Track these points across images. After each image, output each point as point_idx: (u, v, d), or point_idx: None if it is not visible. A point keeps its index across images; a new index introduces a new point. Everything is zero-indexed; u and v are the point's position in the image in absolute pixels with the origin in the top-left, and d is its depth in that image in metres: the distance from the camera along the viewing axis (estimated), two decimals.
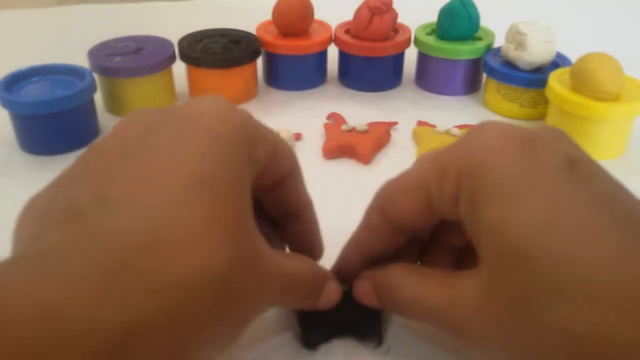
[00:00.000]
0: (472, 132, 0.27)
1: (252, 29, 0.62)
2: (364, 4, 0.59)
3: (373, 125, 0.53)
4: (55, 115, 0.49)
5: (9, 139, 0.52)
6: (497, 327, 0.24)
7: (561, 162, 0.24)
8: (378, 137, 0.52)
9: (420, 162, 0.29)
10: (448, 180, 0.26)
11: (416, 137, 0.53)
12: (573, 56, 0.53)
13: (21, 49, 0.73)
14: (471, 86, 0.62)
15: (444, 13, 0.60)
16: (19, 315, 0.17)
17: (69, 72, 0.53)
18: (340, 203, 0.45)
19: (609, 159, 0.50)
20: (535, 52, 0.54)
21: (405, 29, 0.63)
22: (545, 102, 0.54)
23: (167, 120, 0.24)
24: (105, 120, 0.56)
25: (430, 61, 0.61)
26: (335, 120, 0.55)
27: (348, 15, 0.62)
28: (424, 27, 0.63)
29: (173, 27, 0.64)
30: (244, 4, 0.81)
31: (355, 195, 0.47)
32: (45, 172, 0.48)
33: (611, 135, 0.50)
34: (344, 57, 0.63)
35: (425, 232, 0.32)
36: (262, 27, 0.63)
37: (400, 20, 0.62)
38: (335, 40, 0.62)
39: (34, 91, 0.51)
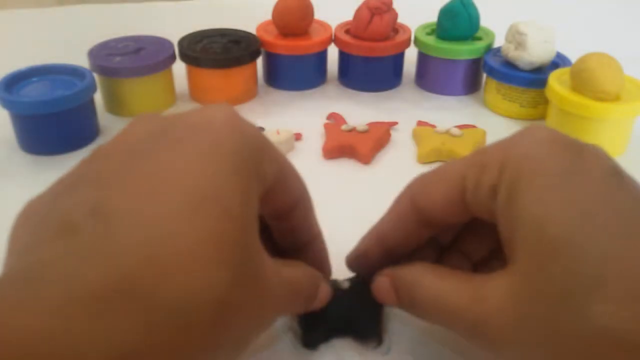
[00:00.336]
0: (519, 132, 0.27)
1: (252, 29, 0.62)
2: (364, 4, 0.59)
3: (373, 125, 0.53)
4: (55, 115, 0.49)
5: (9, 139, 0.52)
6: (531, 324, 0.23)
7: (607, 167, 0.25)
8: (378, 137, 0.52)
9: (452, 161, 0.29)
10: (489, 172, 0.26)
11: (416, 137, 0.53)
12: (573, 56, 0.53)
13: (21, 49, 0.73)
14: (471, 86, 0.62)
15: (444, 13, 0.60)
16: None
17: (69, 72, 0.53)
18: (340, 203, 0.45)
19: None
20: (535, 52, 0.54)
21: (405, 29, 0.63)
22: (545, 102, 0.54)
23: (172, 129, 0.23)
24: (105, 120, 0.56)
25: (430, 61, 0.61)
26: (335, 120, 0.55)
27: (348, 15, 0.62)
28: (424, 27, 0.64)
29: (173, 27, 0.64)
30: (244, 4, 0.81)
31: (355, 195, 0.47)
32: (45, 172, 0.48)
33: (611, 135, 0.50)
34: (344, 57, 0.63)
35: (448, 233, 0.32)
36: (262, 27, 0.63)
37: (400, 20, 0.62)
38: (335, 40, 0.62)
39: (34, 91, 0.51)
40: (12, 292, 0.18)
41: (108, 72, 0.55)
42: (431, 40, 0.60)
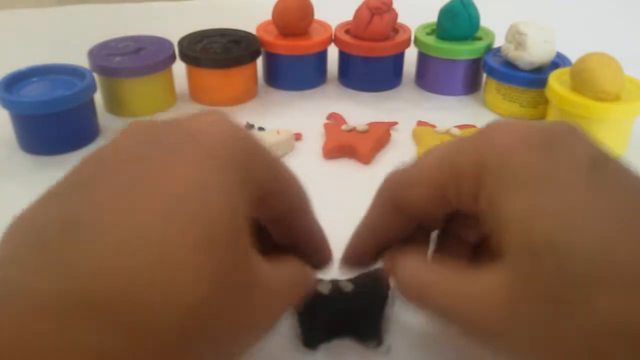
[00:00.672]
0: (483, 133, 0.26)
1: (252, 29, 0.62)
2: (364, 4, 0.59)
3: (373, 125, 0.53)
4: (55, 115, 0.49)
5: (9, 139, 0.52)
6: (526, 321, 0.23)
7: (584, 162, 0.24)
8: (378, 137, 0.52)
9: (429, 159, 0.29)
10: (465, 182, 0.26)
11: (416, 137, 0.53)
12: (573, 56, 0.53)
13: (21, 49, 0.73)
14: (471, 86, 0.62)
15: (444, 13, 0.60)
16: None
17: (69, 72, 0.53)
18: (340, 203, 0.45)
19: None
20: (535, 52, 0.54)
21: (405, 29, 0.63)
22: (545, 102, 0.54)
23: (162, 137, 0.23)
24: (105, 120, 0.56)
25: (430, 61, 0.61)
26: (335, 120, 0.55)
27: (348, 15, 0.62)
28: (424, 27, 0.64)
29: (173, 27, 0.64)
30: (244, 4, 0.81)
31: (355, 195, 0.47)
32: (45, 172, 0.48)
33: (611, 135, 0.50)
34: (344, 57, 0.63)
35: (438, 221, 0.31)
36: (262, 27, 0.63)
37: (400, 20, 0.62)
38: (335, 40, 0.62)
39: (34, 91, 0.51)
40: None
41: (108, 72, 0.55)
42: (431, 40, 0.60)
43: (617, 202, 0.23)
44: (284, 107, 0.60)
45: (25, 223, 0.22)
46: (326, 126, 0.54)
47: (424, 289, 0.27)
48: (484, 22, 0.61)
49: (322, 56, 0.63)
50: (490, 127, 0.26)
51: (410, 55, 0.63)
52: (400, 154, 0.52)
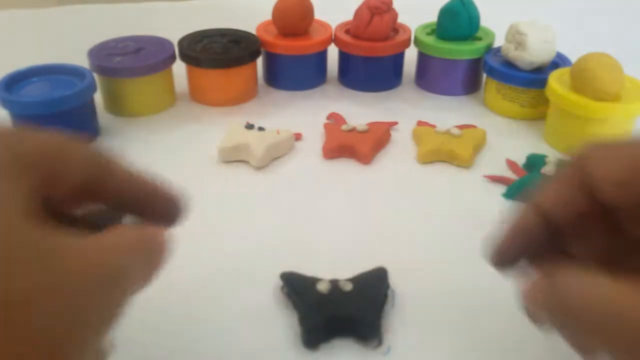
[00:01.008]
0: None
1: (252, 29, 0.62)
2: (364, 4, 0.59)
3: (373, 125, 0.53)
4: (55, 115, 0.49)
5: None
6: None
7: None
8: (378, 137, 0.52)
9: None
10: None
11: (416, 137, 0.53)
12: (573, 56, 0.53)
13: (21, 49, 0.73)
14: (471, 86, 0.62)
15: (444, 13, 0.60)
16: None
17: (69, 72, 0.53)
18: (340, 203, 0.45)
19: None
20: (535, 52, 0.54)
21: (405, 29, 0.63)
22: (545, 102, 0.54)
23: None
24: (105, 120, 0.56)
25: (430, 61, 0.61)
26: (335, 120, 0.55)
27: (348, 15, 0.62)
28: (424, 27, 0.63)
29: (173, 27, 0.64)
30: (244, 4, 0.81)
31: (355, 195, 0.47)
32: None
33: (611, 135, 0.50)
34: (344, 57, 0.63)
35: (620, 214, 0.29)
36: (262, 27, 0.63)
37: (400, 20, 0.62)
38: (335, 40, 0.62)
39: (34, 91, 0.51)
40: None
41: (108, 72, 0.55)
42: (431, 40, 0.61)
43: None
44: (284, 107, 0.60)
45: None
46: (326, 126, 0.54)
47: (600, 304, 0.25)
48: (484, 22, 0.62)
49: (322, 56, 0.63)
50: None
51: (410, 55, 0.63)
52: (400, 154, 0.52)
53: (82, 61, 0.55)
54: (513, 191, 0.46)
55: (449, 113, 0.59)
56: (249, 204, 0.45)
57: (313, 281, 0.35)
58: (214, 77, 0.58)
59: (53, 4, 0.91)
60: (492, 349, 0.33)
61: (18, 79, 0.51)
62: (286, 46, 0.60)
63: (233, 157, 0.50)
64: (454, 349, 0.33)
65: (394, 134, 0.54)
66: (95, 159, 0.29)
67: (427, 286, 0.37)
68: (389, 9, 0.59)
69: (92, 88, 0.51)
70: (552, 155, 0.49)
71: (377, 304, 0.34)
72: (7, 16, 0.83)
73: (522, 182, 0.46)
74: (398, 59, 0.63)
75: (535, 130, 0.55)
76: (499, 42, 0.60)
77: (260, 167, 0.49)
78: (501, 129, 0.56)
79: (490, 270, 0.39)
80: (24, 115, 0.49)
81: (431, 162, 0.50)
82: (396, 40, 0.61)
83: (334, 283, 0.34)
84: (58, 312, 0.22)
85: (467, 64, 0.60)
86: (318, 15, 0.63)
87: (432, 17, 0.62)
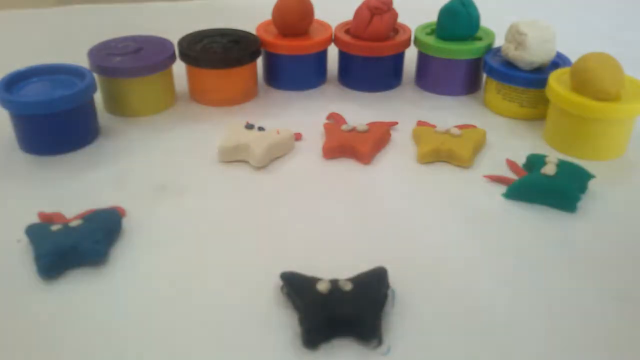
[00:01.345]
0: None
1: (252, 29, 0.62)
2: (364, 4, 0.59)
3: (373, 125, 0.53)
4: (55, 115, 0.49)
5: (9, 139, 0.52)
6: None
7: None
8: (378, 137, 0.52)
9: None
10: None
11: (416, 137, 0.53)
12: (573, 56, 0.53)
13: (21, 49, 0.73)
14: (471, 86, 0.62)
15: (444, 13, 0.60)
16: None
17: (69, 72, 0.53)
18: (340, 203, 0.45)
19: (609, 159, 0.51)
20: (535, 52, 0.54)
21: (405, 29, 0.63)
22: (545, 102, 0.54)
23: None
24: (105, 120, 0.56)
25: (430, 61, 0.61)
26: (335, 120, 0.55)
27: (348, 15, 0.62)
28: (424, 27, 0.64)
29: (173, 27, 0.64)
30: (244, 4, 0.81)
31: (355, 195, 0.47)
32: (45, 172, 0.48)
33: (611, 135, 0.50)
34: (344, 57, 0.63)
35: None
36: (262, 27, 0.63)
37: (400, 20, 0.62)
38: (335, 40, 0.62)
39: (34, 91, 0.51)
40: None
41: (108, 72, 0.55)
42: (431, 40, 0.61)
43: None
44: (284, 107, 0.60)
45: None
46: (326, 126, 0.54)
47: None
48: (484, 22, 0.62)
49: (322, 56, 0.63)
50: None
51: (410, 55, 0.63)
52: (400, 154, 0.52)
53: (82, 61, 0.55)
54: (513, 191, 0.46)
55: (449, 113, 0.59)
56: (249, 204, 0.45)
57: (313, 281, 0.35)
58: (214, 77, 0.58)
59: (53, 4, 0.92)
60: (492, 348, 0.33)
61: (18, 79, 0.51)
62: (286, 46, 0.60)
63: (233, 157, 0.50)
64: (454, 349, 0.33)
65: (394, 134, 0.54)
66: None
67: (427, 286, 0.37)
68: (389, 9, 0.59)
69: (92, 88, 0.51)
70: (552, 155, 0.49)
71: (377, 304, 0.34)
72: (7, 16, 0.83)
73: (522, 182, 0.46)
74: (398, 59, 0.63)
75: (535, 130, 0.55)
76: (499, 42, 0.60)
77: (260, 167, 0.49)
78: (501, 129, 0.56)
79: (490, 270, 0.39)
80: (24, 115, 0.49)
81: (431, 162, 0.50)
82: (396, 40, 0.61)
83: (334, 283, 0.34)
84: None
85: (467, 64, 0.60)
86: (318, 15, 0.63)
87: (432, 17, 0.62)
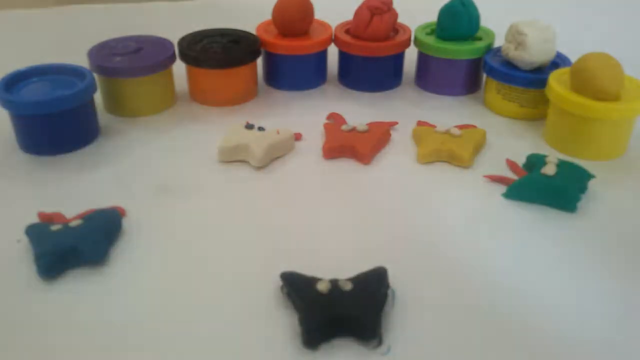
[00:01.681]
0: None
1: (252, 29, 0.62)
2: (364, 4, 0.59)
3: (373, 125, 0.53)
4: (55, 115, 0.49)
5: (9, 139, 0.52)
6: None
7: None
8: (378, 137, 0.52)
9: None
10: None
11: (416, 137, 0.53)
12: (573, 56, 0.53)
13: (21, 49, 0.73)
14: (471, 86, 0.62)
15: (444, 13, 0.60)
16: None
17: (69, 72, 0.53)
18: (340, 203, 0.45)
19: (609, 159, 0.51)
20: (535, 52, 0.54)
21: (405, 29, 0.63)
22: (545, 102, 0.54)
23: None
24: (105, 120, 0.56)
25: (430, 61, 0.61)
26: (335, 120, 0.55)
27: (348, 15, 0.62)
28: (424, 27, 0.64)
29: (173, 27, 0.64)
30: (244, 4, 0.81)
31: (355, 195, 0.47)
32: (45, 172, 0.48)
33: (611, 135, 0.50)
34: (344, 57, 0.63)
35: None
36: (262, 27, 0.63)
37: (400, 20, 0.62)
38: (335, 40, 0.62)
39: (34, 91, 0.51)
40: None
41: (108, 72, 0.55)
42: (431, 40, 0.61)
43: None
44: (284, 107, 0.60)
45: None
46: (326, 126, 0.54)
47: None
48: (484, 22, 0.62)
49: (322, 56, 0.63)
50: None
51: (410, 55, 0.63)
52: (400, 154, 0.52)
53: (82, 61, 0.55)
54: (513, 191, 0.46)
55: (449, 113, 0.59)
56: (248, 204, 0.45)
57: (313, 281, 0.35)
58: (214, 77, 0.58)
59: (53, 4, 0.92)
60: (492, 348, 0.33)
61: (18, 79, 0.51)
62: (286, 46, 0.60)
63: (233, 157, 0.50)
64: (454, 349, 0.33)
65: (394, 134, 0.54)
66: None
67: (427, 286, 0.37)
68: (389, 9, 0.59)
69: (92, 88, 0.51)
70: (552, 155, 0.49)
71: (377, 304, 0.34)
72: (7, 16, 0.83)
73: (522, 182, 0.46)
74: (398, 59, 0.63)
75: (535, 130, 0.55)
76: (499, 42, 0.60)
77: (260, 167, 0.49)
78: (501, 129, 0.56)
79: (490, 270, 0.39)
80: (24, 115, 0.49)
81: (431, 162, 0.50)
82: (396, 40, 0.61)
83: (334, 283, 0.34)
84: None
85: (467, 64, 0.60)
86: (318, 15, 0.63)
87: (432, 17, 0.62)
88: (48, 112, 0.48)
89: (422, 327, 0.34)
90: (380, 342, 0.33)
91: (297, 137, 0.53)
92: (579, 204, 0.44)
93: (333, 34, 0.62)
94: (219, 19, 0.67)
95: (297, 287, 0.35)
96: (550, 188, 0.44)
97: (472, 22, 0.59)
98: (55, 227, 0.39)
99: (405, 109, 0.59)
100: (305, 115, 0.58)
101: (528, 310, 0.36)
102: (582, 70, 0.49)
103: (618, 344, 0.34)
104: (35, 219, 0.41)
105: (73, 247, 0.38)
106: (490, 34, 0.62)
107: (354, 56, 0.61)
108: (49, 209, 0.42)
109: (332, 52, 0.63)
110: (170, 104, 0.59)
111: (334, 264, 0.37)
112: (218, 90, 0.59)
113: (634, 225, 0.43)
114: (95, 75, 0.54)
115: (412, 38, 0.62)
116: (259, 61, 0.62)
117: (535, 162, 0.48)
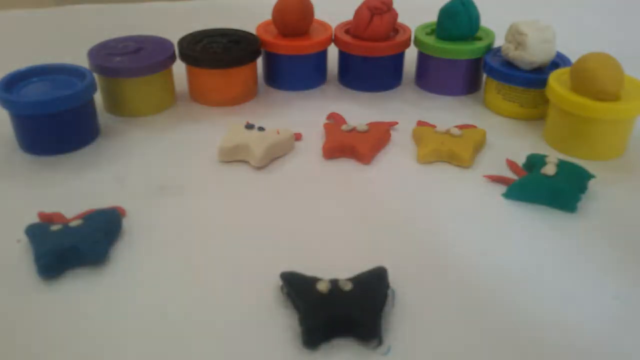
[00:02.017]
0: None
1: (252, 29, 0.62)
2: (364, 4, 0.59)
3: (373, 125, 0.53)
4: (55, 115, 0.49)
5: (9, 139, 0.52)
6: None
7: None
8: (378, 137, 0.52)
9: None
10: None
11: (416, 137, 0.53)
12: (573, 56, 0.53)
13: (21, 49, 0.73)
14: (471, 86, 0.62)
15: (444, 13, 0.60)
16: None
17: (69, 72, 0.53)
18: (340, 203, 0.45)
19: (609, 159, 0.51)
20: (535, 52, 0.54)
21: (405, 29, 0.63)
22: (545, 102, 0.54)
23: None
24: (105, 120, 0.56)
25: (430, 61, 0.61)
26: (335, 120, 0.55)
27: (348, 15, 0.62)
28: (424, 27, 0.64)
29: (173, 27, 0.64)
30: (244, 4, 0.81)
31: (356, 195, 0.47)
32: (45, 172, 0.48)
33: (611, 135, 0.50)
34: (344, 57, 0.63)
35: None
36: (262, 27, 0.63)
37: (400, 20, 0.62)
38: (335, 40, 0.62)
39: (34, 91, 0.51)
40: None
41: (108, 72, 0.55)
42: (431, 40, 0.61)
43: None
44: (284, 107, 0.60)
45: None
46: (326, 126, 0.54)
47: None
48: (484, 22, 0.62)
49: (322, 56, 0.63)
50: None
51: (410, 55, 0.63)
52: (400, 154, 0.52)
53: (82, 61, 0.55)
54: (513, 191, 0.46)
55: (449, 113, 0.59)
56: (248, 204, 0.45)
57: (313, 281, 0.35)
58: (214, 77, 0.58)
59: (53, 4, 0.92)
60: (492, 348, 0.33)
61: (18, 79, 0.51)
62: (286, 46, 0.60)
63: (233, 157, 0.50)
64: (454, 349, 0.33)
65: (394, 134, 0.54)
66: None
67: (427, 286, 0.37)
68: (389, 9, 0.59)
69: (92, 88, 0.51)
70: (552, 155, 0.49)
71: (377, 304, 0.34)
72: (7, 16, 0.83)
73: (522, 182, 0.46)
74: (398, 59, 0.63)
75: (535, 130, 0.55)
76: (499, 42, 0.60)
77: (260, 167, 0.49)
78: (501, 129, 0.56)
79: (490, 270, 0.39)
80: (24, 115, 0.49)
81: (431, 162, 0.50)
82: (396, 40, 0.61)
83: (334, 283, 0.34)
84: None
85: (467, 64, 0.60)
86: (318, 15, 0.63)
87: (432, 17, 0.62)
88: (48, 112, 0.48)
89: (422, 327, 0.34)
90: (380, 342, 0.33)
91: (297, 137, 0.53)
92: (579, 204, 0.44)
93: (333, 34, 0.62)
94: (219, 19, 0.67)
95: (297, 287, 0.35)
96: (550, 188, 0.44)
97: (472, 22, 0.59)
98: (55, 227, 0.39)
99: (405, 109, 0.59)
100: (305, 115, 0.58)
101: (528, 310, 0.36)
102: (582, 70, 0.49)
103: (618, 344, 0.34)
104: (35, 219, 0.41)
105: (73, 247, 0.38)
106: (490, 34, 0.62)
107: (354, 56, 0.61)
108: (49, 209, 0.42)
109: (332, 52, 0.63)
110: (170, 104, 0.60)
111: (334, 264, 0.37)
112: (218, 90, 0.59)
113: (634, 225, 0.43)
114: (95, 75, 0.54)
115: (412, 38, 0.62)
116: (259, 61, 0.62)
117: (535, 162, 0.48)
